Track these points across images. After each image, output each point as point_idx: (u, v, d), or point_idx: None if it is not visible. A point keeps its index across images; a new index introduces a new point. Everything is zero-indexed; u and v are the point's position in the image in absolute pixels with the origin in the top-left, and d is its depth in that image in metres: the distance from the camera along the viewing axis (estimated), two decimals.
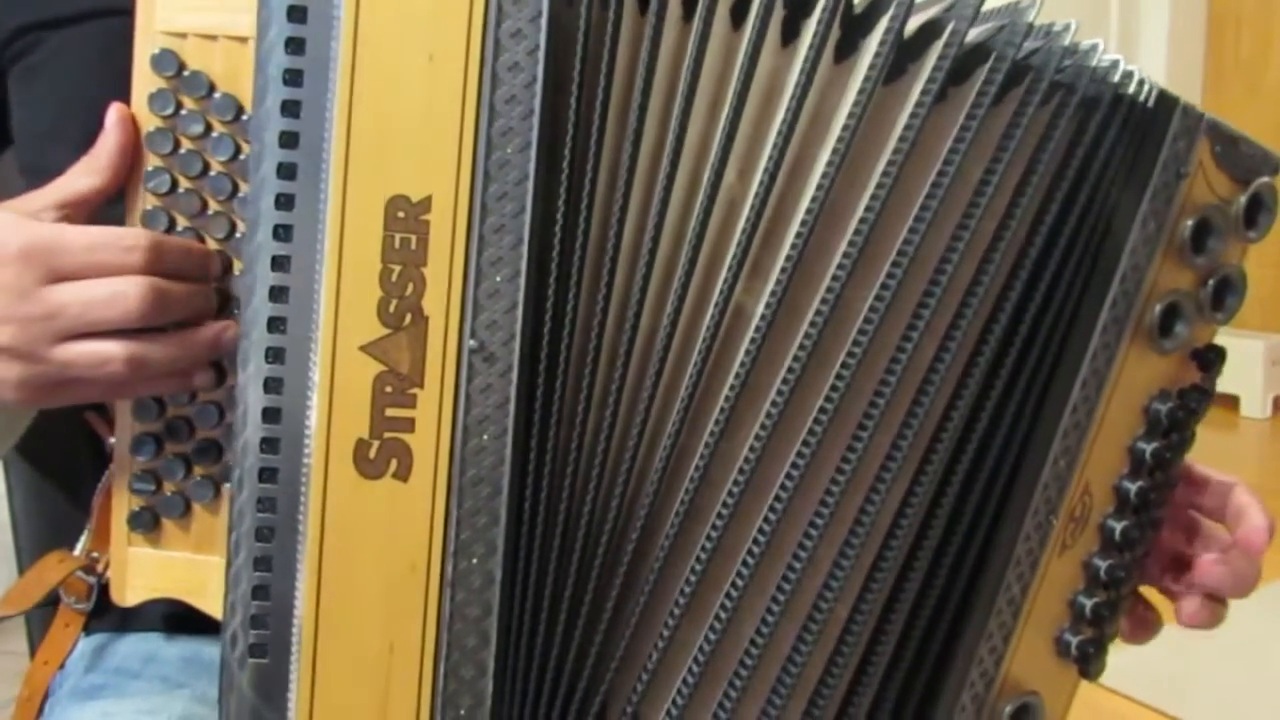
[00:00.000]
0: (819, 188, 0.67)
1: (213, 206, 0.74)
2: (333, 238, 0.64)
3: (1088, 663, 0.73)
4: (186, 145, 0.75)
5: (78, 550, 0.82)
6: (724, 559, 0.69)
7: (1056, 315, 0.71)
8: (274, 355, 0.65)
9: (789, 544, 0.68)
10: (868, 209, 0.67)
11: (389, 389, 0.65)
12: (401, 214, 0.64)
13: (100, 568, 0.82)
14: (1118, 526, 0.72)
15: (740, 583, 0.69)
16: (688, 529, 0.69)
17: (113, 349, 0.68)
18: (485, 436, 0.65)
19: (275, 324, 0.65)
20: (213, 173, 0.74)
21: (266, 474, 0.66)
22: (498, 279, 0.65)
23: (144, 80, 0.75)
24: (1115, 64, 0.71)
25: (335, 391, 0.64)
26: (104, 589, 0.81)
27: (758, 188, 0.68)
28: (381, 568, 0.66)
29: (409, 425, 0.65)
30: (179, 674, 0.87)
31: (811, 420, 0.68)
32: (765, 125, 0.69)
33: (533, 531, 0.67)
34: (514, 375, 0.65)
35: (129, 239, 0.69)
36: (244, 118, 0.74)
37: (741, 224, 0.68)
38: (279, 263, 0.65)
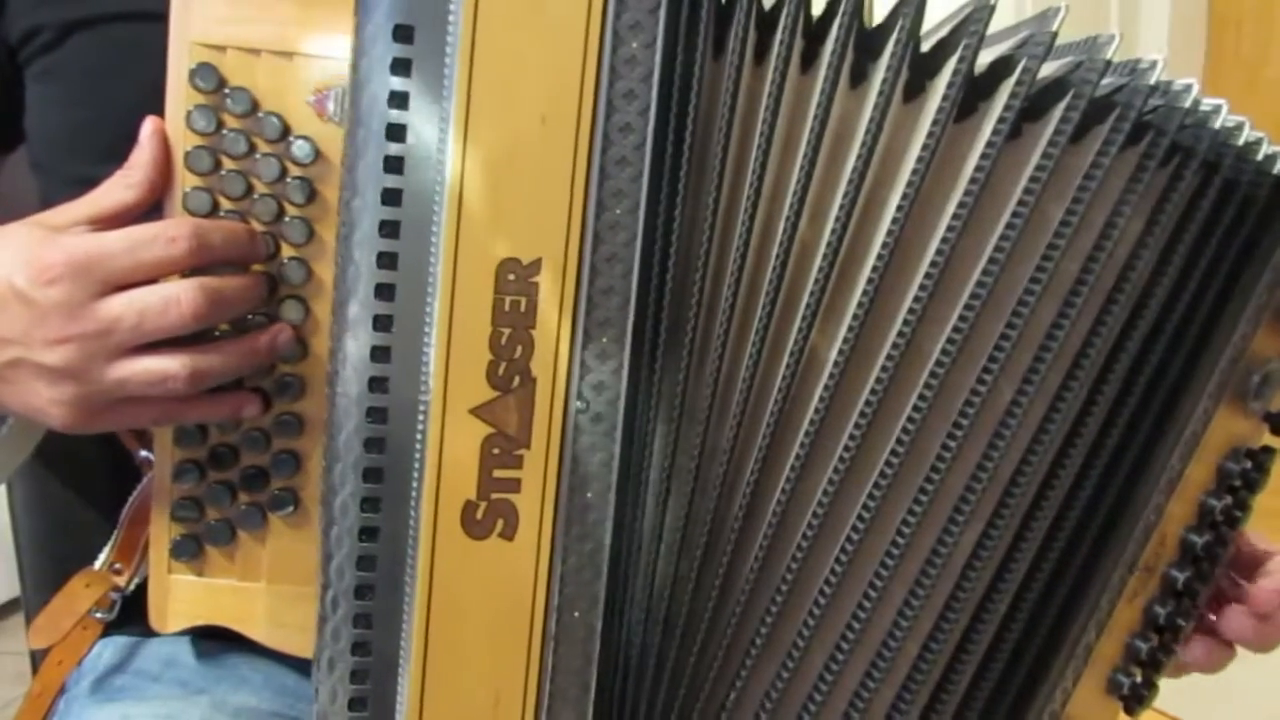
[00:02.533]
0: (889, 232, 0.68)
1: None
2: (443, 302, 0.63)
3: (1140, 702, 0.77)
4: (229, 165, 0.71)
5: (100, 562, 0.80)
6: (799, 597, 0.71)
7: (1175, 375, 0.72)
8: (376, 415, 0.64)
9: (861, 581, 0.71)
10: (939, 250, 0.68)
11: (497, 450, 0.65)
12: (512, 276, 0.63)
13: (124, 583, 0.80)
14: (1180, 577, 0.76)
15: (812, 621, 0.71)
16: (766, 571, 0.71)
17: (170, 364, 0.67)
18: (590, 494, 0.66)
19: (376, 384, 0.64)
20: (257, 195, 0.72)
21: (366, 533, 0.65)
22: (604, 340, 0.65)
23: (180, 94, 0.71)
24: (1241, 125, 0.71)
25: (445, 455, 0.64)
26: (128, 599, 0.80)
27: (830, 233, 0.68)
28: (487, 624, 0.66)
29: (516, 486, 0.65)
30: (197, 679, 0.86)
31: (884, 461, 0.69)
32: (836, 168, 0.69)
33: (629, 582, 0.69)
34: (618, 434, 0.66)
35: (171, 230, 0.67)
36: (290, 138, 0.71)
37: (815, 270, 0.68)
38: (381, 322, 0.64)
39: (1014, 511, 0.71)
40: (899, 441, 0.69)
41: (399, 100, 0.63)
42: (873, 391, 0.69)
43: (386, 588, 0.66)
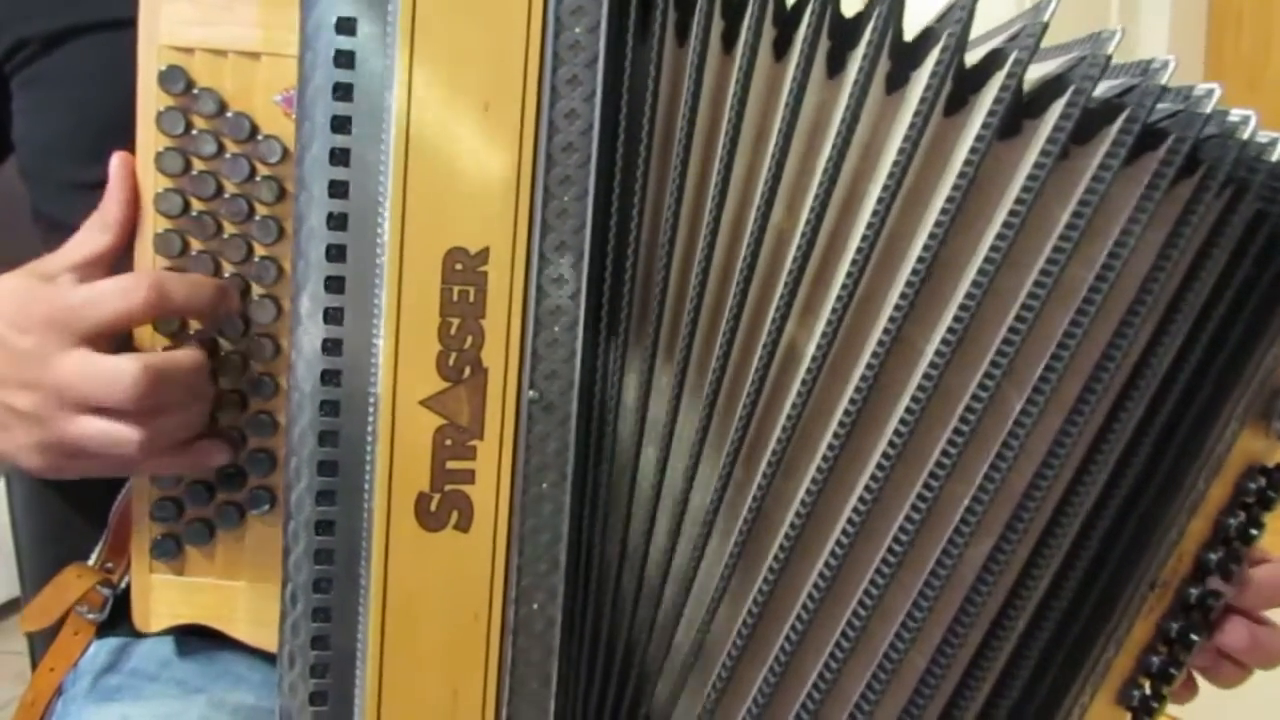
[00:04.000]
0: (869, 224, 0.66)
1: (228, 229, 0.72)
2: (390, 293, 0.63)
3: (1149, 714, 0.75)
4: (199, 166, 0.72)
5: (92, 559, 0.81)
6: (783, 598, 0.70)
7: (1207, 396, 0.70)
8: (329, 408, 0.64)
9: (854, 586, 0.69)
10: (926, 246, 0.65)
11: (449, 442, 0.64)
12: (459, 266, 0.63)
13: (115, 579, 0.80)
14: (1194, 592, 0.73)
15: (800, 625, 0.69)
16: (745, 568, 0.69)
17: (124, 432, 0.67)
18: (545, 485, 0.65)
19: (329, 377, 0.64)
20: (227, 194, 0.72)
21: (323, 527, 0.65)
22: (556, 329, 0.64)
23: (150, 97, 0.72)
24: (1275, 142, 0.67)
25: (396, 447, 0.64)
26: (120, 599, 0.80)
27: (805, 223, 0.67)
28: (444, 617, 0.66)
29: (469, 477, 0.65)
30: (196, 679, 0.87)
31: (875, 463, 0.67)
32: (813, 159, 0.68)
33: (589, 574, 0.68)
34: (572, 423, 0.65)
35: (128, 281, 0.68)
36: (258, 137, 0.72)
37: (790, 260, 0.67)
38: (331, 315, 0.64)
39: (1028, 526, 0.68)
40: (892, 444, 0.67)
41: (343, 92, 0.63)
42: (858, 389, 0.67)
43: (344, 581, 0.66)
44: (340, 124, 0.63)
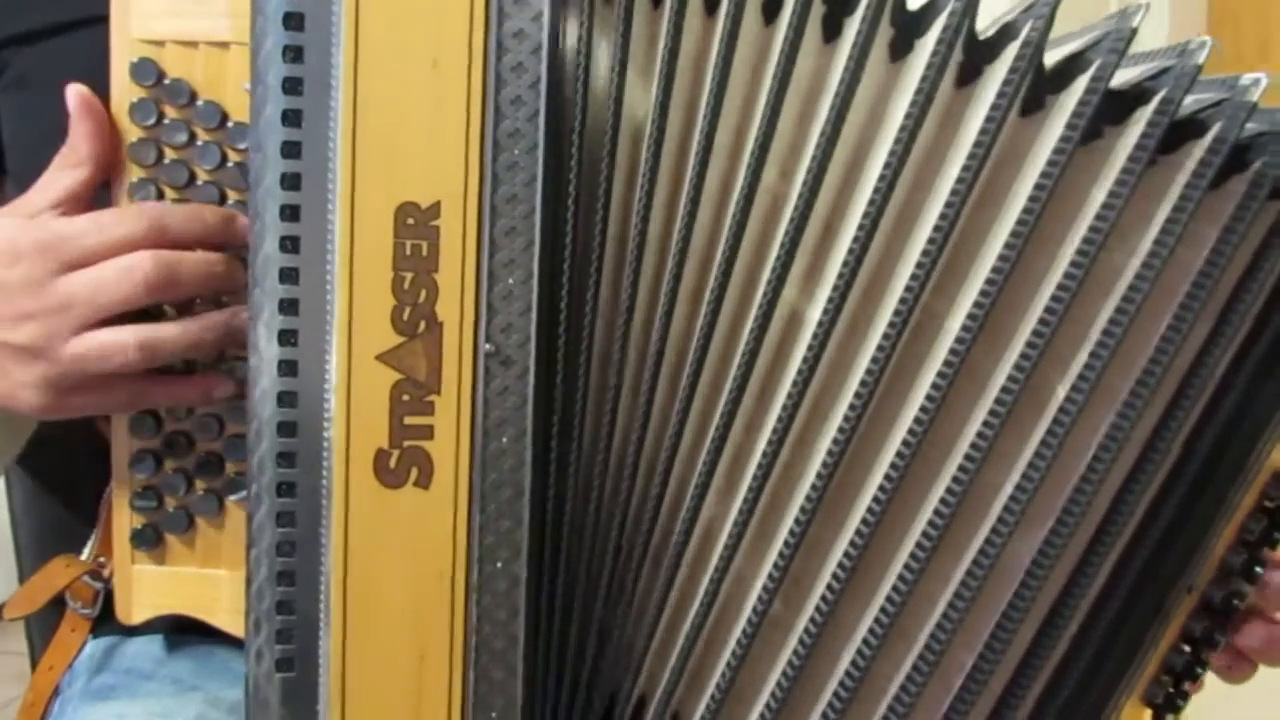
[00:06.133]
0: (876, 189, 0.65)
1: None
2: (343, 249, 0.64)
3: (1174, 711, 0.74)
4: (171, 155, 0.74)
5: (85, 554, 0.81)
6: (802, 579, 0.68)
7: (1266, 405, 0.68)
8: (287, 369, 0.65)
9: (886, 569, 0.67)
10: (943, 215, 0.64)
11: (406, 397, 0.64)
12: (411, 221, 0.64)
13: (107, 573, 0.81)
14: (1218, 595, 0.72)
15: (825, 607, 0.68)
16: (753, 543, 0.68)
17: (121, 334, 0.68)
18: (505, 439, 0.65)
19: (287, 337, 0.65)
20: (200, 182, 0.74)
21: (285, 488, 0.65)
22: (510, 281, 0.65)
23: (123, 90, 0.74)
24: None
25: (353, 403, 0.64)
26: (111, 595, 0.80)
27: (802, 184, 0.66)
28: (407, 576, 0.65)
29: (428, 432, 0.65)
30: (192, 676, 0.87)
31: (901, 441, 0.66)
32: (808, 124, 0.67)
33: (558, 532, 0.67)
34: (530, 377, 0.65)
35: (134, 210, 0.69)
36: (229, 124, 0.73)
37: (786, 221, 0.66)
38: (287, 275, 0.64)
39: (1080, 520, 0.66)
40: (918, 420, 0.66)
41: (294, 54, 0.64)
42: (874, 359, 0.66)
43: (307, 544, 0.65)
44: (292, 86, 0.64)
